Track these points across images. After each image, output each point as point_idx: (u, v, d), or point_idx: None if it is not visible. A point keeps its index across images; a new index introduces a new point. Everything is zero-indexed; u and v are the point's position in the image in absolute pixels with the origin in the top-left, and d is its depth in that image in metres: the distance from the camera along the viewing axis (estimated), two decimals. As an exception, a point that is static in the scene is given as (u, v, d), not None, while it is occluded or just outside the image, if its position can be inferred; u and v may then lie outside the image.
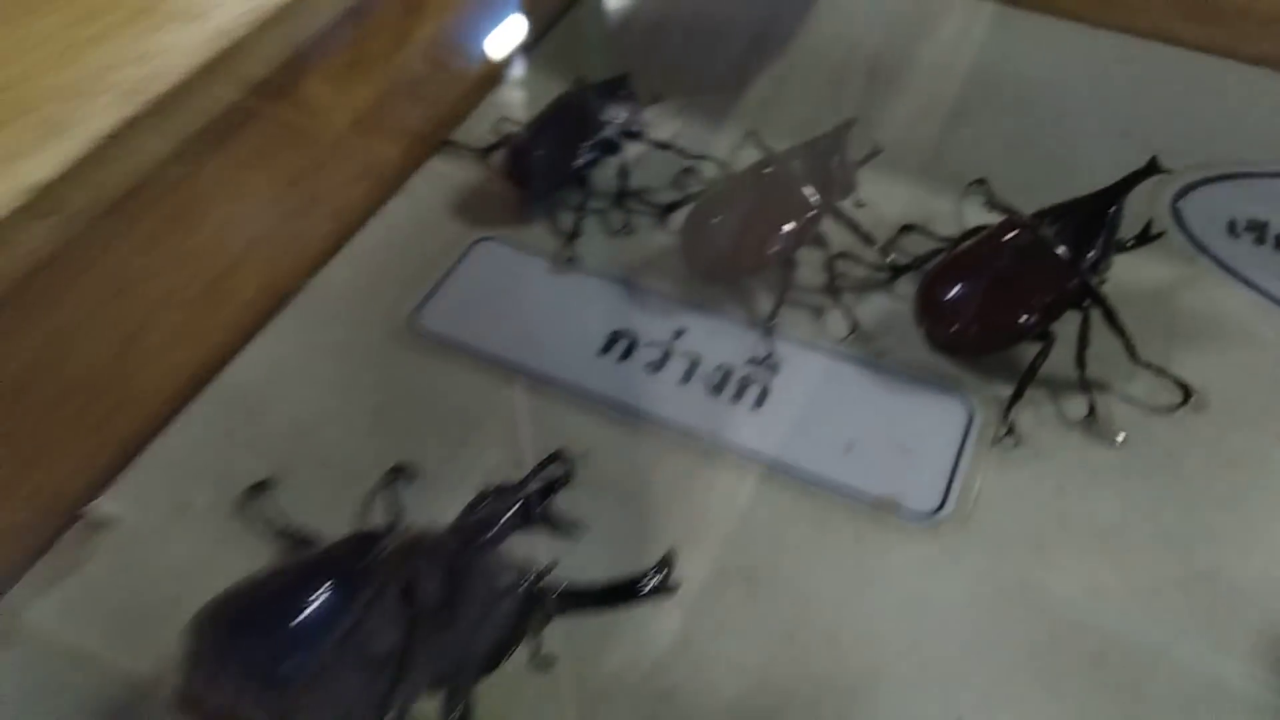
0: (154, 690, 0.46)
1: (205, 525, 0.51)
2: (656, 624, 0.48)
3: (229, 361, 0.57)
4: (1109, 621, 0.48)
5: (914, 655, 0.47)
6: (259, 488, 0.51)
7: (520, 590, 0.40)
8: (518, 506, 0.38)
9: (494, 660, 0.40)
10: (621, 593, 0.41)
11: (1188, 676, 0.46)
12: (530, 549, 0.41)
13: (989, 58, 0.77)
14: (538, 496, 0.38)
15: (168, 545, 0.51)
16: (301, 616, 0.41)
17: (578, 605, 0.41)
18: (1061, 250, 0.55)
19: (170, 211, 0.51)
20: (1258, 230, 0.64)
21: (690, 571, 0.49)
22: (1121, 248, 0.57)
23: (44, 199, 0.41)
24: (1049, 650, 0.47)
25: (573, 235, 0.63)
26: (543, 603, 0.40)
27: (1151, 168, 0.55)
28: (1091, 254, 0.55)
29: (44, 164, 0.40)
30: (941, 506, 0.51)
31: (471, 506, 0.39)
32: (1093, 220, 0.56)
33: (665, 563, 0.41)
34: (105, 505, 0.52)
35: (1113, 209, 0.55)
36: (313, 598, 0.41)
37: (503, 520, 0.38)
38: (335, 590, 0.41)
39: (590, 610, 0.41)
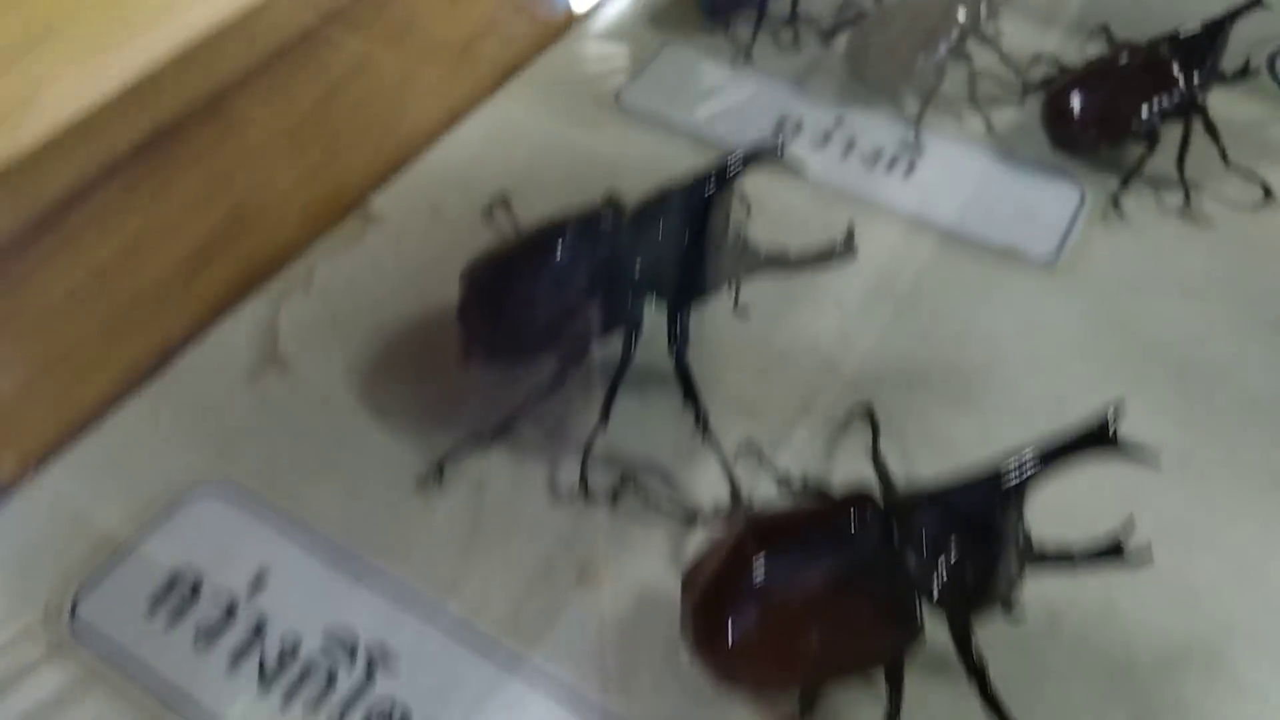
0: (416, 332, 0.58)
1: (454, 224, 0.63)
2: (821, 318, 0.59)
3: (474, 109, 0.69)
4: (1190, 346, 0.58)
5: (1026, 355, 0.58)
6: (498, 201, 0.64)
7: (735, 240, 0.51)
8: (747, 151, 0.49)
9: (708, 292, 0.52)
10: (818, 256, 0.52)
11: (1255, 388, 0.56)
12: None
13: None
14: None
15: (423, 237, 0.63)
16: (556, 252, 0.53)
17: (779, 264, 0.52)
18: (1171, 66, 0.66)
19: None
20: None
21: (846, 288, 0.61)
22: (1222, 79, 0.68)
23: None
24: (1139, 360, 0.58)
25: (749, 45, 0.75)
26: (750, 254, 0.52)
27: (1254, 1, 0.66)
28: (1197, 72, 0.66)
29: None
30: (1057, 255, 0.62)
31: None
32: (1199, 44, 0.66)
33: (849, 234, 0.52)
34: (377, 203, 0.64)
35: (1218, 36, 0.66)
36: (565, 239, 0.53)
37: (736, 161, 0.49)
38: (583, 231, 0.53)
39: (789, 270, 0.53)
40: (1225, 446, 0.54)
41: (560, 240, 0.52)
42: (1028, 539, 0.42)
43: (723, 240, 0.51)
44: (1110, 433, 0.38)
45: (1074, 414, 0.54)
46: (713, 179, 0.50)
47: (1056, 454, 0.39)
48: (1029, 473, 0.39)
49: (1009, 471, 0.39)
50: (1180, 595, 0.49)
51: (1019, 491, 0.40)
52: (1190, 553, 0.50)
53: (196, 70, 0.51)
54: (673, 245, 0.50)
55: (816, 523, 0.43)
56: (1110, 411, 0.39)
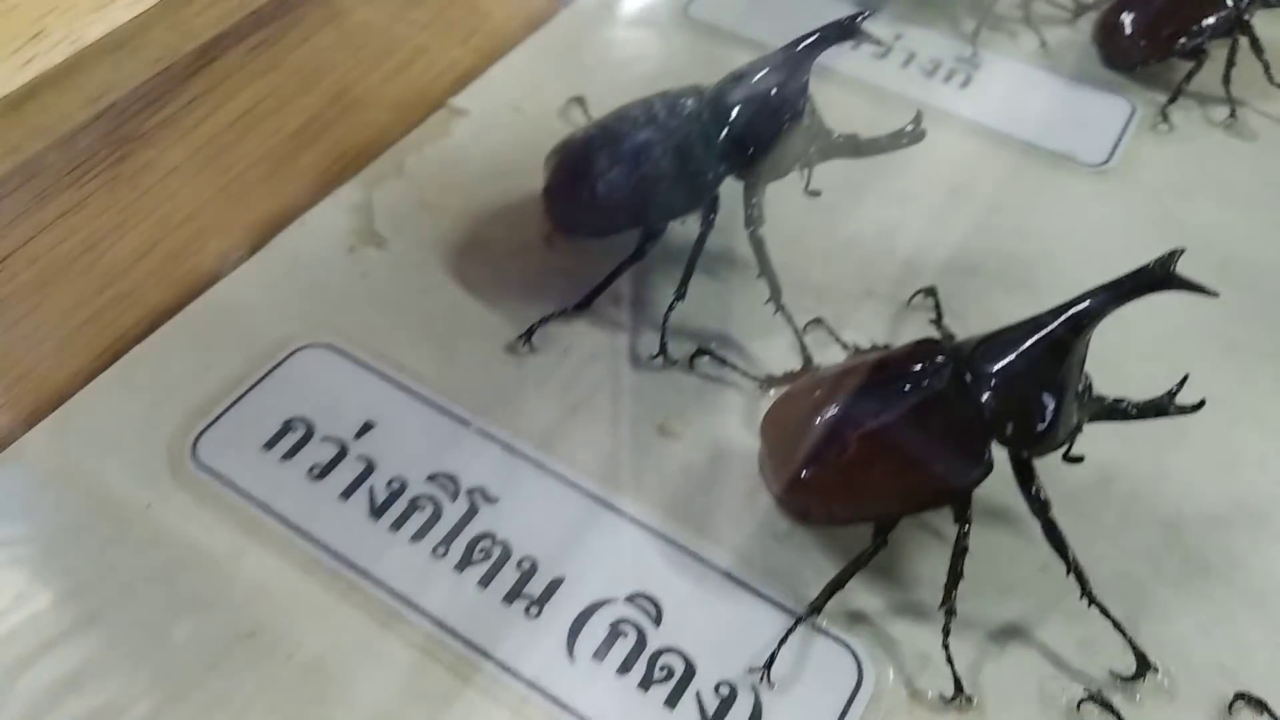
0: (502, 215, 0.61)
1: (532, 122, 0.66)
2: (884, 210, 0.62)
3: (552, 16, 0.72)
4: (1234, 243, 0.60)
5: (1079, 247, 0.60)
6: (574, 100, 0.66)
7: (808, 121, 0.54)
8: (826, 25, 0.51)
9: (782, 170, 0.54)
10: (887, 140, 0.54)
11: (1293, 283, 0.59)
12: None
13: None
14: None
15: (505, 132, 0.65)
16: (639, 132, 0.54)
17: (851, 148, 0.55)
18: (1222, -14, 0.68)
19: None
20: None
21: (908, 183, 0.63)
22: (1266, 3, 0.70)
23: None
24: (1185, 254, 0.60)
25: (811, -33, 0.77)
26: (823, 137, 0.54)
27: (1301, -76, 0.68)
28: (1246, -6, 0.68)
29: None
30: (1108, 160, 0.65)
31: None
32: (1249, -34, 0.68)
33: (917, 118, 0.54)
34: (462, 100, 0.67)
35: (1267, -42, 0.68)
36: (647, 119, 0.55)
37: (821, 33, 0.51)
38: (665, 111, 0.55)
39: (860, 153, 0.55)
40: (1268, 333, 0.57)
41: (643, 120, 0.55)
42: (1089, 384, 0.44)
43: (798, 116, 0.53)
44: (1170, 270, 0.40)
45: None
46: (792, 53, 0.52)
47: (1119, 292, 0.41)
48: (1093, 311, 0.41)
49: (1073, 311, 0.42)
50: (1226, 463, 0.52)
51: (1083, 331, 0.42)
52: (1235, 426, 0.53)
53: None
54: (751, 118, 0.52)
55: (887, 366, 0.46)
56: (1170, 254, 0.41)
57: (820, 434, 0.45)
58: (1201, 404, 0.45)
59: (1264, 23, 0.69)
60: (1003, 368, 0.43)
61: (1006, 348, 0.43)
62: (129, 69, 0.43)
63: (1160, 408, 0.45)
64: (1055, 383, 0.42)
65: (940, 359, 0.44)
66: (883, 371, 0.46)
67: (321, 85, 0.58)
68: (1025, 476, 0.44)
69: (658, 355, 0.54)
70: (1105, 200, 0.63)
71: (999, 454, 0.44)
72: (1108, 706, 0.43)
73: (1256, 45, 0.68)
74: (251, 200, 0.57)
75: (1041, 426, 0.43)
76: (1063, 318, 0.42)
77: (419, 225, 0.60)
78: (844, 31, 0.51)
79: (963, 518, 0.44)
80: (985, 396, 0.43)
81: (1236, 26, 0.68)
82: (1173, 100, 0.68)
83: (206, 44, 0.47)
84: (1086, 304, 0.41)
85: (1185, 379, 0.45)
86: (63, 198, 0.46)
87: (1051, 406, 0.43)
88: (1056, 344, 0.42)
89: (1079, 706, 0.43)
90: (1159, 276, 0.41)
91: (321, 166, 0.60)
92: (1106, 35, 0.70)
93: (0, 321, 0.47)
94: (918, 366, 0.45)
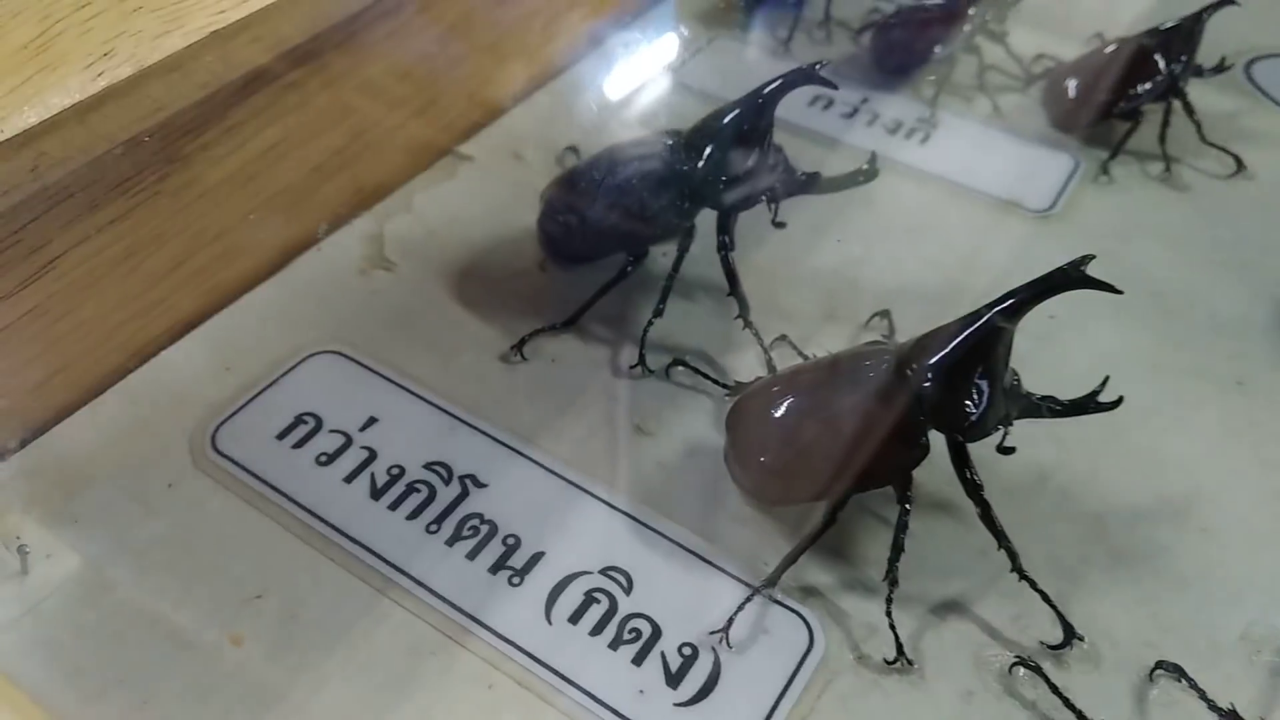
0: (501, 246, 0.66)
1: (531, 168, 0.71)
2: (847, 245, 0.66)
3: (553, 77, 0.78)
4: (1167, 279, 0.65)
5: (1022, 281, 0.64)
6: (570, 149, 0.72)
7: (776, 159, 0.59)
8: (789, 72, 0.57)
9: (751, 201, 0.59)
10: (846, 178, 0.59)
11: (1223, 312, 0.63)
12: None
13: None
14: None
15: (505, 176, 0.71)
16: (623, 169, 0.59)
17: (813, 184, 0.59)
18: (1153, 56, 0.73)
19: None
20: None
21: (867, 222, 0.68)
22: (1199, 73, 0.75)
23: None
24: (1124, 287, 0.65)
25: (787, 39, 0.83)
26: (789, 174, 0.59)
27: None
28: (1175, 63, 0.73)
29: None
30: (1052, 207, 0.70)
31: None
32: (1178, 37, 0.73)
33: (872, 158, 0.59)
34: (468, 148, 0.72)
35: (1194, 29, 0.73)
36: (631, 158, 0.60)
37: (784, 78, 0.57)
38: (646, 151, 0.60)
39: (822, 189, 0.60)
40: (1192, 355, 0.61)
41: (627, 158, 0.60)
42: (1017, 380, 0.48)
43: (764, 152, 0.58)
44: (1081, 271, 0.45)
45: (1062, 327, 0.62)
46: (760, 95, 0.57)
47: (1038, 290, 0.45)
48: (1016, 306, 0.45)
49: (998, 307, 0.46)
50: (1152, 466, 0.55)
51: (1006, 323, 0.46)
52: (1161, 435, 0.56)
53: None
54: (723, 153, 0.57)
55: (838, 363, 0.50)
56: (1082, 258, 0.46)
57: (779, 422, 0.49)
58: (1120, 401, 0.49)
59: (1202, 93, 0.75)
60: (937, 360, 0.47)
61: (941, 342, 0.47)
62: (180, 91, 0.48)
63: (1082, 406, 0.49)
64: (983, 372, 0.46)
65: (885, 356, 0.49)
66: (834, 368, 0.50)
67: (342, 126, 0.64)
68: (960, 460, 0.48)
69: (637, 365, 0.58)
70: (1048, 240, 0.67)
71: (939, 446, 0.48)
72: (1037, 670, 0.46)
73: (1189, 108, 0.73)
74: (275, 225, 0.62)
75: (972, 412, 0.46)
76: (990, 313, 0.46)
77: (425, 253, 0.65)
78: (804, 77, 0.56)
79: (904, 498, 0.48)
80: (923, 386, 0.47)
81: (1170, 92, 0.73)
82: (1113, 156, 0.73)
83: (247, 76, 0.53)
84: (1010, 300, 0.46)
85: (1106, 380, 0.49)
86: (112, 207, 0.51)
87: (980, 394, 0.46)
88: (984, 338, 0.46)
89: (1010, 670, 0.47)
90: (1072, 277, 0.45)
91: (339, 200, 0.65)
92: (1053, 99, 0.76)
93: (48, 316, 0.51)
94: (865, 363, 0.49)
